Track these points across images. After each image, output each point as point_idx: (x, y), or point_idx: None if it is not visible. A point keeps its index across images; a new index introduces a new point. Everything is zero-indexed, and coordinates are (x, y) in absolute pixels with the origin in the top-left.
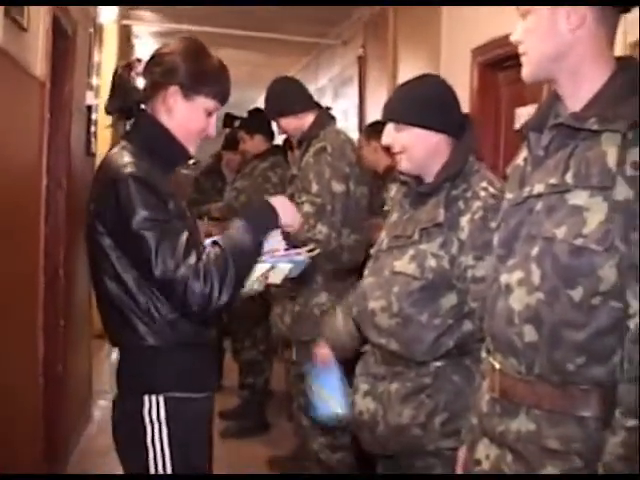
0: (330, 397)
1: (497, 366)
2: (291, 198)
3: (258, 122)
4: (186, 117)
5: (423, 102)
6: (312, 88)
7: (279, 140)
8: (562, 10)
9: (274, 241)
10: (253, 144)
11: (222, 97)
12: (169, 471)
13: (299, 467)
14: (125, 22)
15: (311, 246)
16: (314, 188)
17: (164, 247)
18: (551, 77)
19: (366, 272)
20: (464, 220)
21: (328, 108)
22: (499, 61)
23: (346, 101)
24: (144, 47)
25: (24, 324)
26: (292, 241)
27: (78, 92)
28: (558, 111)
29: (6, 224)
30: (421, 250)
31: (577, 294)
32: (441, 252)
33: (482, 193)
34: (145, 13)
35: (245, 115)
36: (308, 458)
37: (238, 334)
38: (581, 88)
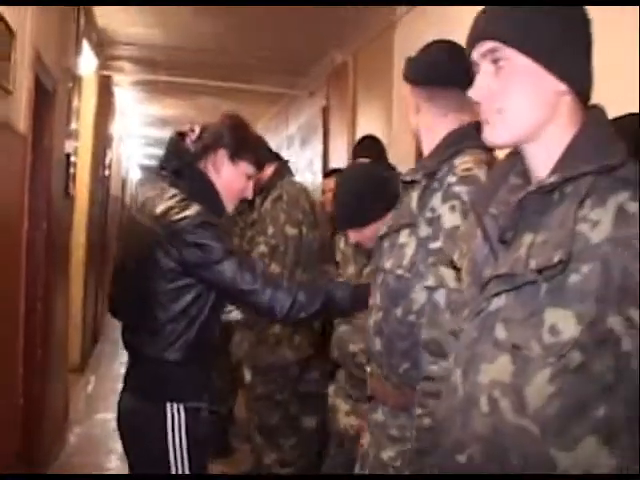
0: None
1: (369, 370)
2: (251, 240)
3: None
4: (230, 177)
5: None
6: (283, 135)
7: None
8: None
9: None
10: None
11: (260, 164)
12: (187, 471)
13: None
14: (105, 72)
15: None
16: (270, 231)
17: (245, 268)
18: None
19: (337, 320)
20: None
21: (286, 161)
22: None
23: (312, 148)
24: (125, 95)
25: (5, 350)
26: None
27: (58, 141)
28: None
29: None
30: None
31: (399, 312)
32: None
33: None
34: (124, 64)
35: None
36: (262, 473)
37: None
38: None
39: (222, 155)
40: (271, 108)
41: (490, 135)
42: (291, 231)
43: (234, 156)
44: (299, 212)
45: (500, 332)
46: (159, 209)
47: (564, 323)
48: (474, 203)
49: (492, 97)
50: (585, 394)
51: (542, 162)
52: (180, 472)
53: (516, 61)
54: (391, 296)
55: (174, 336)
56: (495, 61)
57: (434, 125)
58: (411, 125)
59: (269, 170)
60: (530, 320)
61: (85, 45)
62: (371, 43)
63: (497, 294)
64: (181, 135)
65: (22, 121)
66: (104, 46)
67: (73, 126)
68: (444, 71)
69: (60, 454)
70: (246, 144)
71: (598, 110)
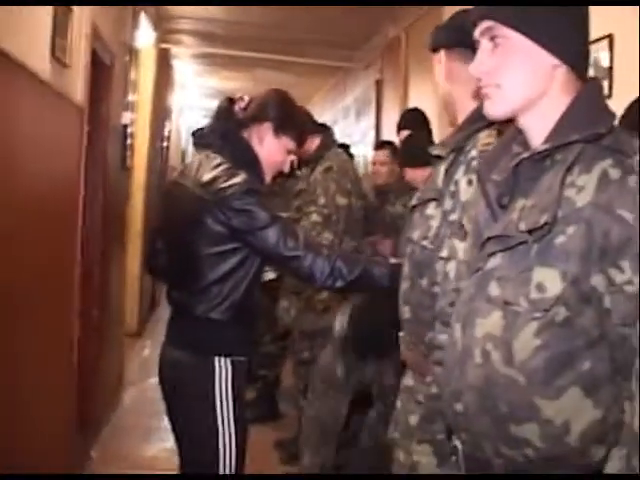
0: None
1: (400, 336)
2: (299, 210)
3: None
4: (272, 150)
5: None
6: (339, 107)
7: None
8: None
9: None
10: None
11: (301, 141)
12: (232, 419)
13: (297, 446)
14: (164, 46)
15: None
16: (321, 201)
17: (289, 234)
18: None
19: None
20: None
21: (331, 132)
22: None
23: (367, 120)
24: (184, 67)
25: (62, 310)
26: None
27: (114, 113)
28: None
29: (50, 226)
30: None
31: (424, 282)
32: None
33: None
34: (183, 37)
35: None
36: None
37: (259, 329)
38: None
39: (267, 128)
40: (329, 80)
41: (490, 109)
42: (342, 201)
43: (278, 130)
44: (348, 182)
45: (494, 289)
46: (206, 177)
47: (550, 281)
48: (479, 171)
49: (491, 73)
50: (570, 347)
51: (538, 131)
52: (225, 418)
53: (512, 39)
54: (417, 267)
55: (221, 297)
56: (493, 39)
57: (468, 92)
58: (442, 93)
59: (315, 142)
60: (520, 278)
61: (143, 18)
62: (422, 19)
63: (493, 254)
64: (231, 101)
65: (79, 93)
66: (162, 19)
67: (130, 98)
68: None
69: (114, 413)
70: (291, 120)
71: (593, 82)
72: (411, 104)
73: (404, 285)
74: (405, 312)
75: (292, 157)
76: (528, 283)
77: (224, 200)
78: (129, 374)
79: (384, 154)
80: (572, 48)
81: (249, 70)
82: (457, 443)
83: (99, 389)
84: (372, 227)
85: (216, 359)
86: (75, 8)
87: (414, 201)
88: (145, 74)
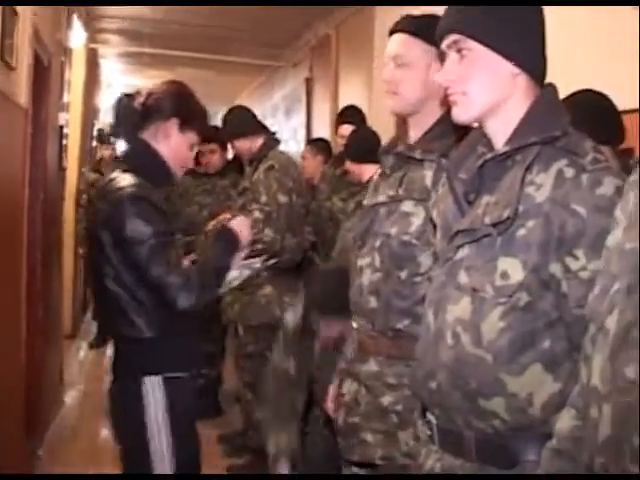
0: None
1: (355, 326)
2: (243, 207)
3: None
4: (177, 146)
5: None
6: (267, 105)
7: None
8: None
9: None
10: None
11: (203, 136)
12: (167, 445)
13: (245, 438)
14: (92, 45)
15: (265, 257)
16: (263, 199)
17: (159, 257)
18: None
19: None
20: None
21: (274, 133)
22: None
23: (296, 118)
24: (110, 66)
25: (9, 311)
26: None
27: (52, 113)
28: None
29: None
30: None
31: (403, 274)
32: None
33: None
34: (110, 36)
35: None
36: (252, 428)
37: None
38: (419, 128)
39: (173, 123)
40: (256, 78)
41: (457, 115)
42: (283, 198)
43: (184, 125)
44: (290, 180)
45: (463, 278)
46: (103, 184)
47: (513, 269)
48: (448, 170)
49: (457, 81)
50: (532, 328)
51: (501, 134)
52: (158, 443)
53: (476, 50)
54: (394, 259)
55: (138, 315)
56: (459, 50)
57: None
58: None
59: (259, 141)
60: (486, 267)
61: (75, 19)
62: (353, 16)
63: (461, 245)
64: (129, 97)
65: (23, 95)
66: (92, 19)
67: (65, 99)
68: None
69: (57, 414)
70: (195, 114)
71: (549, 88)
72: (342, 102)
73: (372, 276)
74: (371, 302)
75: (231, 154)
76: (493, 272)
77: (111, 206)
78: (68, 374)
79: (313, 150)
80: (531, 57)
81: (176, 69)
82: (431, 418)
83: (44, 390)
84: (309, 221)
85: (146, 379)
86: (18, 9)
87: (379, 199)
88: (76, 74)
